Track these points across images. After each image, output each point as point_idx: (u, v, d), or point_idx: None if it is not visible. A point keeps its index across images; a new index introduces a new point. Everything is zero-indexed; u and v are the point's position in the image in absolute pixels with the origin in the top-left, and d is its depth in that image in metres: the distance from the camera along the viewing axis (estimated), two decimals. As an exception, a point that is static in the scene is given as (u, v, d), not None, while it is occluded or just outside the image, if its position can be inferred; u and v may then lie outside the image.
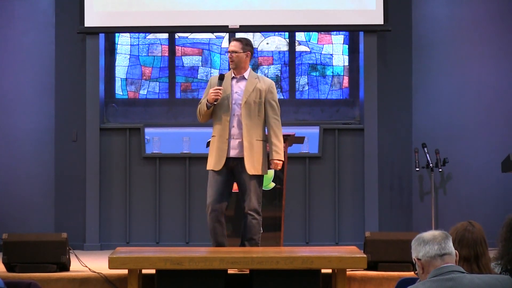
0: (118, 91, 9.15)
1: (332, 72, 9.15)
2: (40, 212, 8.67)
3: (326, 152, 8.69)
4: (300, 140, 7.11)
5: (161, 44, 9.16)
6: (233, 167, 6.06)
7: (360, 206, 8.60)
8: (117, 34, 9.07)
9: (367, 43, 8.67)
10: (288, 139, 6.78)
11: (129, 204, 8.66)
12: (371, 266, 6.05)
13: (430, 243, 3.15)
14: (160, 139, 8.75)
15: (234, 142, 6.06)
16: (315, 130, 8.70)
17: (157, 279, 5.60)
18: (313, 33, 9.12)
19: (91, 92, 8.64)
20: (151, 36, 9.14)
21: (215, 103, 6.05)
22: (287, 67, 9.12)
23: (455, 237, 3.44)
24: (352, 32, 9.02)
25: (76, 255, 6.32)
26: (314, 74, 9.15)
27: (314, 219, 8.63)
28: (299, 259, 5.40)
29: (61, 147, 8.73)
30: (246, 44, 6.17)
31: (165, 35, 9.13)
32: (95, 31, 8.64)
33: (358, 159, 8.65)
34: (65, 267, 6.14)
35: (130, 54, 9.14)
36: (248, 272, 5.76)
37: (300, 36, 9.15)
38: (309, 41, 9.16)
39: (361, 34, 8.78)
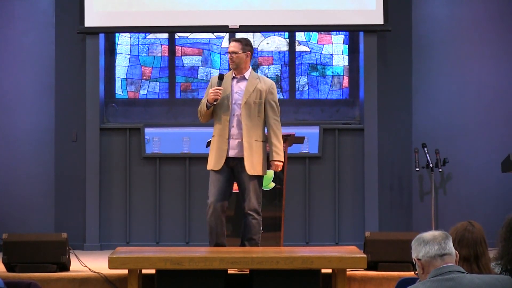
0: (118, 91, 9.15)
1: (332, 72, 9.15)
2: (40, 212, 8.67)
3: (326, 152, 8.69)
4: (300, 140, 7.11)
5: (161, 44, 9.16)
6: (233, 167, 6.06)
7: (360, 206, 8.60)
8: (117, 34, 9.07)
9: (367, 43, 8.67)
10: (288, 139, 6.78)
11: (129, 204, 8.66)
12: (371, 266, 6.05)
13: (430, 243, 3.15)
14: (160, 139, 8.75)
15: (234, 142, 6.06)
16: (315, 130, 8.70)
17: (157, 279, 5.60)
18: (313, 33, 9.12)
19: (91, 92, 8.64)
20: (151, 36, 9.14)
21: (215, 103, 6.06)
22: (287, 67, 9.12)
23: (455, 237, 3.44)
24: (352, 32, 9.02)
25: (76, 255, 6.33)
26: (314, 74, 9.15)
27: (314, 219, 8.63)
28: (299, 259, 5.40)
29: (61, 147, 8.73)
30: (246, 44, 6.17)
31: (165, 35, 9.13)
32: (95, 31, 8.64)
33: (358, 159, 8.65)
34: (65, 267, 6.14)
35: (130, 54, 9.14)
36: (248, 272, 5.76)
37: (300, 36, 9.15)
38: (309, 41, 9.16)
39: (361, 34, 8.78)
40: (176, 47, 9.16)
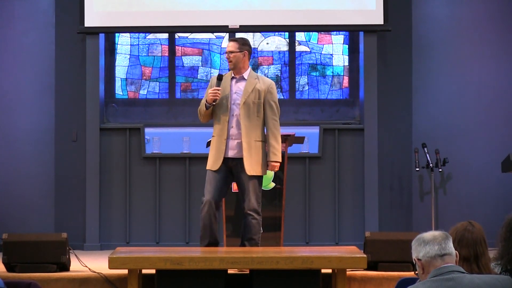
0: (118, 91, 9.15)
1: (332, 72, 9.15)
2: (40, 212, 8.67)
3: (326, 152, 8.69)
4: (300, 140, 7.11)
5: (161, 44, 9.16)
6: (232, 167, 6.06)
7: (360, 206, 8.60)
8: (117, 34, 9.07)
9: (367, 43, 8.67)
10: (288, 139, 6.78)
11: (129, 204, 8.66)
12: (371, 266, 6.05)
13: (431, 243, 3.16)
14: (160, 139, 8.75)
15: (233, 143, 6.06)
16: (315, 130, 8.70)
17: (157, 279, 5.60)
18: (313, 33, 9.12)
19: (91, 92, 8.64)
20: (151, 36, 9.14)
21: (214, 103, 6.06)
22: (287, 67, 9.12)
23: (455, 237, 3.44)
24: (352, 32, 9.02)
25: (76, 255, 6.33)
26: (314, 74, 9.15)
27: (314, 219, 8.63)
28: (299, 259, 5.40)
29: (61, 147, 8.73)
30: (243, 44, 6.16)
31: (165, 35, 9.13)
32: (95, 31, 8.64)
33: (358, 159, 8.65)
34: (65, 267, 6.14)
35: (130, 54, 9.14)
36: (248, 272, 5.76)
37: (300, 36, 9.15)
38: (309, 41, 9.16)
39: (361, 34, 8.78)
40: (176, 47, 9.16)
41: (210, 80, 6.29)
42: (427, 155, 8.46)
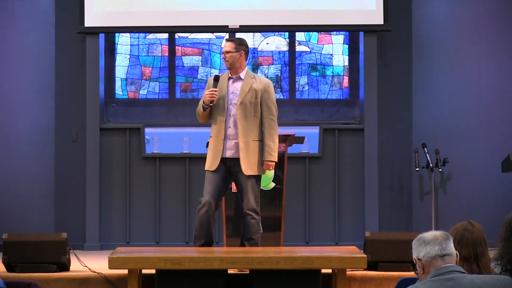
0: (118, 91, 9.15)
1: (332, 72, 9.15)
2: (40, 212, 8.67)
3: (326, 152, 8.69)
4: (300, 140, 7.11)
5: (161, 44, 9.16)
6: (230, 167, 6.07)
7: (360, 206, 8.60)
8: (117, 34, 9.07)
9: (367, 43, 8.67)
10: (288, 139, 6.78)
11: (129, 204, 8.66)
12: (371, 266, 6.05)
13: (431, 243, 3.15)
14: (160, 139, 8.75)
15: (231, 143, 6.07)
16: (315, 130, 8.70)
17: (157, 279, 5.60)
18: (313, 33, 9.12)
19: (91, 92, 8.64)
20: (151, 36, 9.14)
21: (211, 104, 6.06)
22: (287, 67, 9.12)
23: (455, 237, 3.44)
24: (352, 32, 9.02)
25: (76, 255, 6.33)
26: (314, 74, 9.15)
27: (314, 219, 8.63)
28: (299, 259, 5.40)
29: (61, 147, 8.73)
30: (240, 44, 6.17)
31: (165, 35, 9.13)
32: (95, 31, 8.64)
33: (358, 159, 8.65)
34: (65, 267, 6.14)
35: (130, 54, 9.14)
36: (248, 272, 5.76)
37: (300, 36, 9.15)
38: (309, 41, 9.16)
39: (361, 34, 8.78)
40: (176, 47, 9.16)
41: (207, 81, 6.29)
42: (427, 155, 8.46)
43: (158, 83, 9.16)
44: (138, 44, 9.15)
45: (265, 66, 9.14)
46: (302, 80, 9.13)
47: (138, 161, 8.71)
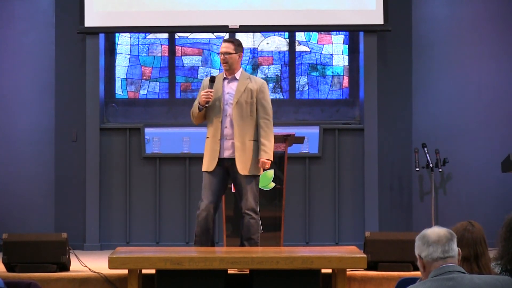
0: (118, 91, 9.15)
1: (332, 72, 9.15)
2: (40, 212, 8.67)
3: (326, 152, 8.69)
4: (300, 140, 7.11)
5: (161, 44, 9.16)
6: (228, 167, 6.07)
7: (360, 206, 8.60)
8: (117, 34, 9.07)
9: (367, 43, 8.67)
10: (288, 139, 6.78)
11: (129, 204, 8.66)
12: (371, 266, 6.04)
13: (434, 245, 3.14)
14: (160, 139, 8.75)
15: (228, 143, 6.07)
16: (315, 130, 8.70)
17: (157, 279, 5.60)
18: (313, 33, 9.12)
19: (91, 92, 8.65)
20: (151, 36, 9.14)
21: (207, 105, 6.05)
22: (287, 67, 9.12)
23: (455, 237, 3.44)
24: (352, 32, 9.02)
25: (76, 255, 6.32)
26: (314, 74, 9.15)
27: (314, 219, 8.63)
28: (299, 259, 5.40)
29: (61, 147, 8.73)
30: (238, 45, 6.19)
31: (165, 35, 9.13)
32: (95, 31, 8.64)
33: (358, 159, 8.65)
34: (65, 267, 6.14)
35: (130, 54, 9.14)
36: (248, 272, 5.76)
37: (300, 36, 9.15)
38: (309, 41, 9.16)
39: (361, 34, 8.78)
40: (176, 47, 9.16)
41: (202, 82, 6.29)
42: (427, 155, 8.46)
43: (158, 83, 9.16)
44: (138, 44, 9.15)
45: (265, 66, 9.14)
46: (302, 80, 9.13)
47: (138, 161, 8.72)
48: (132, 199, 8.68)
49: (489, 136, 8.69)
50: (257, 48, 9.12)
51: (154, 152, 8.73)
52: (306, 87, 9.14)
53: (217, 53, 9.15)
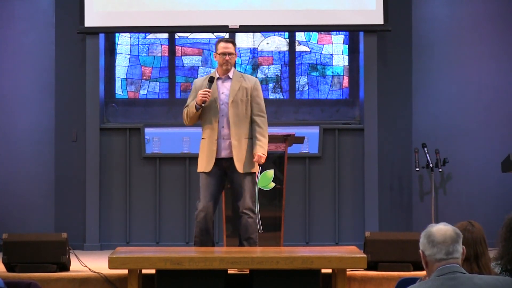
0: (118, 91, 9.15)
1: (332, 72, 9.15)
2: (40, 212, 8.67)
3: (326, 152, 8.70)
4: (300, 140, 7.11)
5: (161, 44, 9.16)
6: (226, 167, 6.07)
7: (360, 206, 8.60)
8: (117, 34, 9.07)
9: (367, 43, 8.67)
10: (288, 139, 6.78)
11: (129, 204, 8.66)
12: (371, 266, 6.04)
13: (439, 246, 3.13)
14: (160, 139, 8.75)
15: (225, 143, 6.07)
16: (315, 130, 8.70)
17: (157, 279, 5.60)
18: (313, 33, 9.12)
19: (91, 92, 8.65)
20: (151, 36, 9.14)
21: (203, 105, 6.05)
22: (287, 67, 9.12)
23: (455, 237, 3.44)
24: (352, 32, 9.02)
25: (76, 255, 6.32)
26: (314, 74, 9.15)
27: (314, 219, 8.63)
28: (299, 259, 5.40)
29: (61, 147, 8.73)
30: (235, 45, 6.23)
31: (165, 35, 9.13)
32: (95, 31, 8.64)
33: (358, 159, 8.65)
34: (65, 267, 6.14)
35: (130, 54, 9.14)
36: (248, 272, 5.76)
37: (300, 36, 9.15)
38: (309, 41, 9.16)
39: (361, 34, 8.78)
40: (176, 47, 9.16)
41: (193, 83, 6.26)
42: (427, 155, 8.46)
43: (158, 83, 9.16)
44: (138, 44, 9.15)
45: (265, 66, 9.14)
46: (302, 80, 9.13)
47: (138, 161, 8.71)
48: (132, 199, 8.68)
49: (489, 136, 8.69)
50: (257, 48, 9.12)
51: (154, 152, 8.73)
52: (306, 87, 9.14)
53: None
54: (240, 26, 8.67)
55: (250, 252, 5.72)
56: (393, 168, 8.80)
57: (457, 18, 8.81)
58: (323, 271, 5.68)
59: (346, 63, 9.13)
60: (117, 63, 9.13)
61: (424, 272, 3.29)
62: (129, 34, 9.09)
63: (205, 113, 6.09)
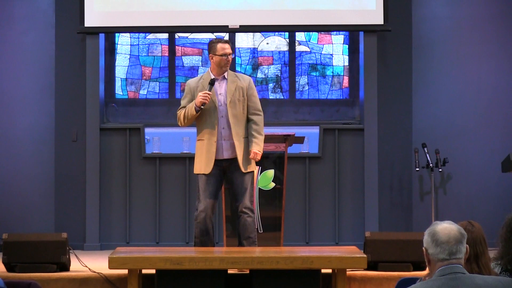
0: (118, 91, 9.15)
1: (332, 72, 9.15)
2: (40, 212, 8.67)
3: (326, 152, 8.69)
4: (300, 140, 7.11)
5: (161, 44, 9.16)
6: (225, 168, 6.07)
7: (360, 206, 8.60)
8: (117, 34, 9.07)
9: (367, 43, 8.67)
10: (288, 139, 6.78)
11: (129, 204, 8.66)
12: (371, 266, 6.04)
13: (443, 246, 3.13)
14: (160, 139, 8.75)
15: (226, 144, 6.06)
16: (315, 130, 8.70)
17: (157, 279, 5.60)
18: (313, 33, 9.12)
19: (91, 92, 8.64)
20: (151, 36, 9.14)
21: (203, 107, 6.02)
22: (287, 67, 9.12)
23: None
24: (352, 32, 9.02)
25: (76, 255, 6.32)
26: (314, 74, 9.15)
27: (314, 219, 8.63)
28: (299, 259, 5.40)
29: (61, 147, 8.73)
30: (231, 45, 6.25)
31: (165, 35, 9.13)
32: (95, 31, 8.64)
33: (358, 159, 8.65)
34: (65, 267, 6.14)
35: (130, 54, 9.14)
36: (248, 272, 5.76)
37: (300, 36, 9.15)
38: (309, 41, 9.16)
39: (361, 34, 8.78)
40: (176, 47, 9.16)
41: (187, 84, 6.21)
42: (427, 155, 8.46)
43: (158, 83, 9.16)
44: (138, 44, 9.15)
45: (265, 66, 9.14)
46: (302, 80, 9.13)
47: (138, 161, 8.71)
48: (132, 199, 8.67)
49: (489, 136, 8.69)
50: (257, 48, 9.12)
51: (154, 152, 8.73)
52: (306, 87, 9.14)
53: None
54: (240, 26, 8.67)
55: (250, 252, 5.72)
56: (393, 168, 8.80)
57: (457, 18, 8.81)
58: (323, 271, 5.68)
59: (346, 63, 9.13)
60: (117, 63, 9.13)
61: (424, 272, 3.29)
62: (129, 34, 9.09)
63: (203, 114, 6.07)
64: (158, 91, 9.16)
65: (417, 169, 8.45)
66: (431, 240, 3.16)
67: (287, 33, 9.11)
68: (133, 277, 5.48)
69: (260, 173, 6.76)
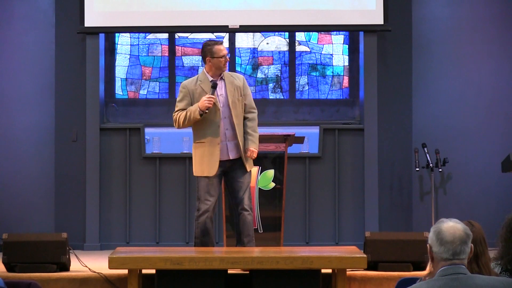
0: (118, 91, 9.16)
1: (332, 72, 9.15)
2: (40, 212, 8.67)
3: (326, 152, 8.69)
4: (300, 140, 7.11)
5: (161, 44, 9.16)
6: (228, 167, 6.07)
7: (360, 206, 8.60)
8: (117, 34, 9.07)
9: (367, 43, 8.67)
10: (288, 139, 6.78)
11: (129, 204, 8.66)
12: (371, 266, 6.04)
13: (447, 245, 3.13)
14: (160, 139, 8.75)
15: (231, 144, 6.07)
16: (315, 130, 8.70)
17: (157, 279, 5.60)
18: (313, 33, 9.12)
19: (91, 92, 8.64)
20: (151, 36, 9.14)
21: (207, 111, 6.00)
22: (287, 67, 9.12)
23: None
24: (352, 32, 9.02)
25: (76, 255, 6.32)
26: (314, 74, 9.15)
27: (314, 219, 8.63)
28: (299, 259, 5.40)
29: (61, 147, 8.73)
30: None
31: (165, 35, 9.13)
32: (95, 31, 8.64)
33: (358, 159, 8.65)
34: (65, 267, 6.14)
35: (130, 54, 9.14)
36: (248, 272, 5.76)
37: (300, 36, 9.15)
38: (309, 41, 9.16)
39: (361, 34, 8.78)
40: (176, 47, 9.16)
41: (184, 86, 6.14)
42: (427, 155, 8.46)
43: (158, 83, 9.16)
44: (138, 44, 9.15)
45: (265, 66, 9.14)
46: (302, 80, 9.13)
47: (138, 161, 8.71)
48: (132, 199, 8.67)
49: (489, 136, 8.69)
50: (257, 48, 9.12)
51: (154, 152, 8.73)
52: (306, 87, 9.14)
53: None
54: (240, 26, 8.67)
55: (250, 252, 5.72)
56: (393, 168, 8.80)
57: (457, 18, 8.81)
58: (323, 271, 5.68)
59: (346, 63, 9.13)
60: (117, 63, 9.13)
61: (424, 272, 3.29)
62: (129, 34, 9.09)
63: (204, 117, 6.03)
64: (158, 91, 9.16)
65: (417, 169, 8.45)
66: (436, 238, 3.15)
67: (287, 33, 9.11)
68: (133, 277, 5.49)
69: (260, 173, 6.76)
